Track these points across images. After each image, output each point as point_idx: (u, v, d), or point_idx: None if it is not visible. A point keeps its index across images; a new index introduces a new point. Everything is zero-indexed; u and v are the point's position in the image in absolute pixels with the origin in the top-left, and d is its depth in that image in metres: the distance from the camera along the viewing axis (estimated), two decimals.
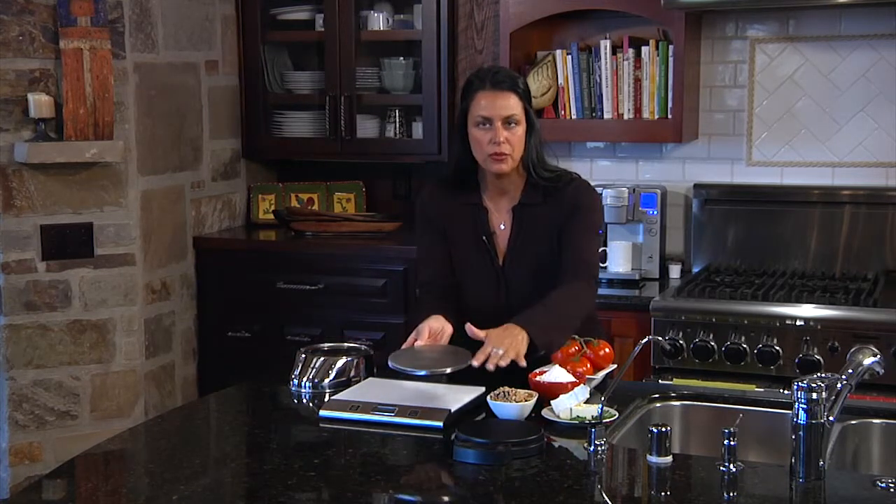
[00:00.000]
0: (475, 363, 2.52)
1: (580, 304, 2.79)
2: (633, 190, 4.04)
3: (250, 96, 4.66)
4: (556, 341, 2.65)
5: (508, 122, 2.76)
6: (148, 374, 4.15)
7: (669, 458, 2.16)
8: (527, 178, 2.86)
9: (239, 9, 4.60)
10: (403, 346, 2.65)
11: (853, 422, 2.48)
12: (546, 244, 2.83)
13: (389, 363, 2.56)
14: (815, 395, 2.06)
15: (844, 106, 4.01)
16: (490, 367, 2.52)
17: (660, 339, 3.46)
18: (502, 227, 2.87)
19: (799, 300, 3.57)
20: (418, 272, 3.05)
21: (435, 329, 2.67)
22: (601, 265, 3.90)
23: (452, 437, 2.26)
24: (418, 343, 2.64)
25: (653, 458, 2.16)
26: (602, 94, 4.08)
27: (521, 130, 2.78)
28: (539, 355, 2.63)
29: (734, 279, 3.87)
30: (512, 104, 2.76)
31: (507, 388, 2.48)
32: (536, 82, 4.10)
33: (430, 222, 2.94)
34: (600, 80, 4.08)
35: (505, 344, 2.55)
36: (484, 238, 2.86)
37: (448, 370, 2.52)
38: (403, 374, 2.55)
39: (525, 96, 2.80)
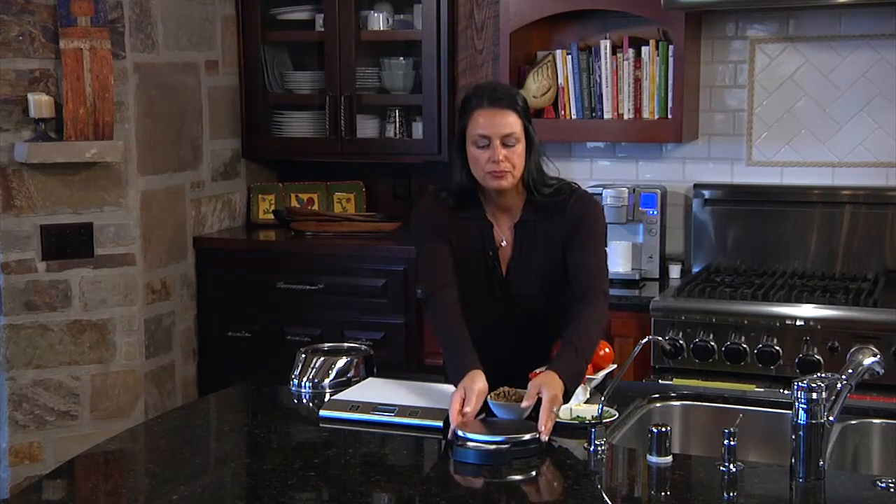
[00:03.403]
0: (542, 432, 2.34)
1: (601, 327, 2.72)
2: (633, 190, 4.03)
3: (250, 96, 4.66)
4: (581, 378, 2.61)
5: (507, 140, 2.68)
6: (148, 374, 4.15)
7: (669, 458, 2.16)
8: (527, 195, 2.80)
9: (239, 9, 4.60)
10: (455, 407, 2.41)
11: (853, 422, 2.48)
12: (548, 259, 2.78)
13: (458, 433, 2.36)
14: (815, 395, 2.06)
15: (844, 106, 4.01)
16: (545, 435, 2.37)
17: (660, 339, 3.46)
18: (504, 243, 2.83)
19: (799, 300, 3.57)
20: (426, 281, 2.86)
21: (482, 392, 2.49)
22: None
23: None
24: (468, 411, 2.42)
25: (653, 458, 2.16)
26: (602, 94, 4.08)
27: (520, 148, 2.70)
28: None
29: (734, 279, 3.87)
30: (511, 122, 2.68)
31: (507, 388, 2.48)
32: (536, 82, 4.10)
33: (435, 231, 2.82)
34: (600, 80, 4.08)
35: (553, 390, 2.42)
36: (490, 253, 2.82)
37: (527, 437, 2.30)
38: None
39: (524, 113, 2.73)
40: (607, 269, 2.82)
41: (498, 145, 2.67)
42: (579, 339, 2.59)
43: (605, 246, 2.84)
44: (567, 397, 2.48)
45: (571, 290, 2.75)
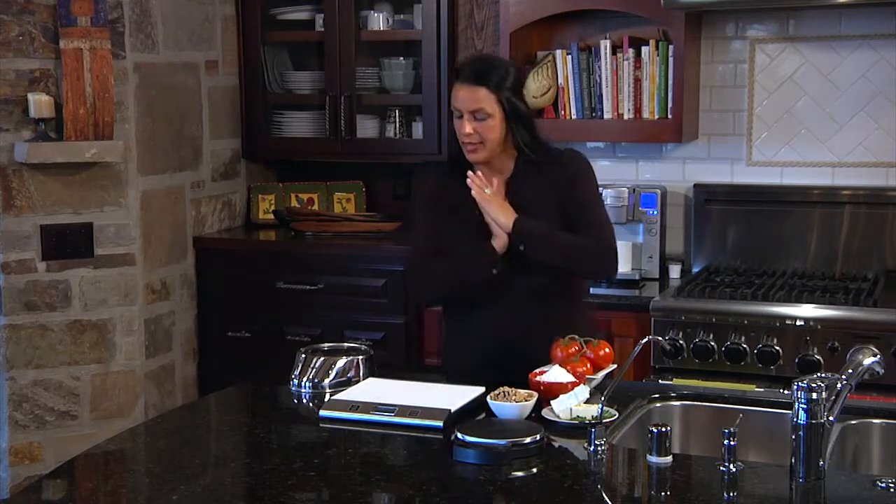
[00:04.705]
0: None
1: (586, 248, 2.88)
2: (633, 190, 4.04)
3: (250, 96, 4.66)
4: (534, 238, 2.82)
5: (477, 114, 2.83)
6: (148, 374, 4.15)
7: (669, 458, 2.16)
8: (517, 156, 2.92)
9: (239, 9, 4.60)
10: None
11: (853, 422, 2.48)
12: (543, 215, 2.86)
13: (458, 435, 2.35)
14: (815, 395, 2.06)
15: (844, 106, 4.01)
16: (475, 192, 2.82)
17: (660, 339, 3.46)
18: None
19: (799, 300, 3.57)
20: (413, 244, 3.08)
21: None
22: None
23: (452, 437, 2.26)
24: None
25: (653, 458, 2.16)
26: (602, 94, 4.08)
27: (492, 122, 2.83)
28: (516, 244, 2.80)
29: (734, 279, 3.87)
30: (479, 97, 2.82)
31: (507, 388, 2.48)
32: (536, 82, 4.10)
33: (431, 208, 3.01)
34: (600, 80, 4.08)
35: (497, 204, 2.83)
36: (479, 212, 2.88)
37: (527, 440, 2.29)
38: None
39: (509, 88, 2.85)
40: (609, 224, 2.96)
41: (465, 120, 2.84)
42: (560, 231, 2.84)
43: (601, 199, 3.05)
44: (513, 249, 2.80)
45: None
